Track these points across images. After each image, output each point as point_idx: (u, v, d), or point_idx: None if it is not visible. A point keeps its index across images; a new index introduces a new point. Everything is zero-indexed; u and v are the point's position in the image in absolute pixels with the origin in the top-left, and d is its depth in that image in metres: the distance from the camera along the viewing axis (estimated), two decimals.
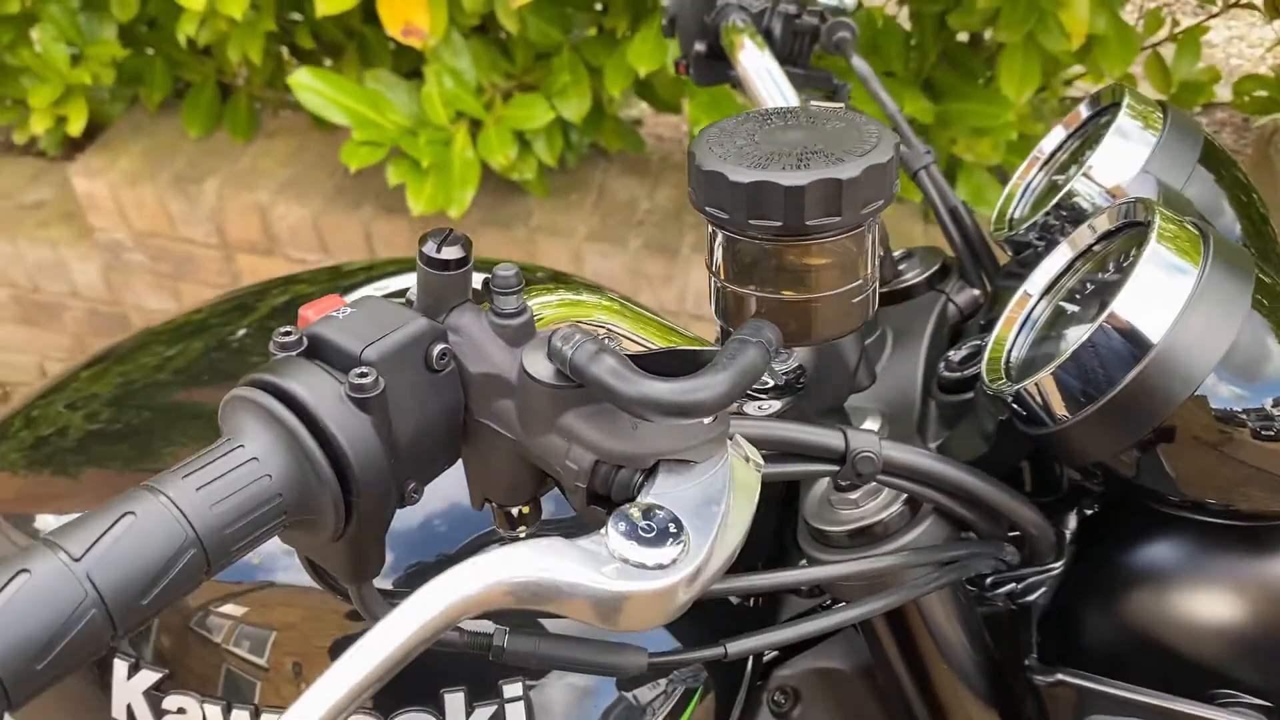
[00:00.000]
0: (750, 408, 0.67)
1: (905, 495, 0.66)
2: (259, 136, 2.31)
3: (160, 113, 2.36)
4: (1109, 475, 0.64)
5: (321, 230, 2.16)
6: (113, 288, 2.40)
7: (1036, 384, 0.61)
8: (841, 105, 0.49)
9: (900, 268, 0.90)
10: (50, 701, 0.85)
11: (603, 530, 0.44)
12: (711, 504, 0.47)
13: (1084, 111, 0.81)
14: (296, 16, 2.15)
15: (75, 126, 2.22)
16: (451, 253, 0.49)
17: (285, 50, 2.26)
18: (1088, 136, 0.79)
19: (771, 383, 0.68)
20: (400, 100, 1.96)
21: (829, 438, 0.59)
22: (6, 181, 2.47)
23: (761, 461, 0.51)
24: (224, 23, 1.96)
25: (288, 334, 0.47)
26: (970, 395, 0.75)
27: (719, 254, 0.49)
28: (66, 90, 2.18)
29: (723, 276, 0.49)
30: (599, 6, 2.04)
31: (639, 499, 0.47)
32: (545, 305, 0.57)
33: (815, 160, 0.44)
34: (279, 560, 0.77)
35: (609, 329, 0.56)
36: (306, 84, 1.88)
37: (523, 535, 0.55)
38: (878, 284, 0.50)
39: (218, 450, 0.44)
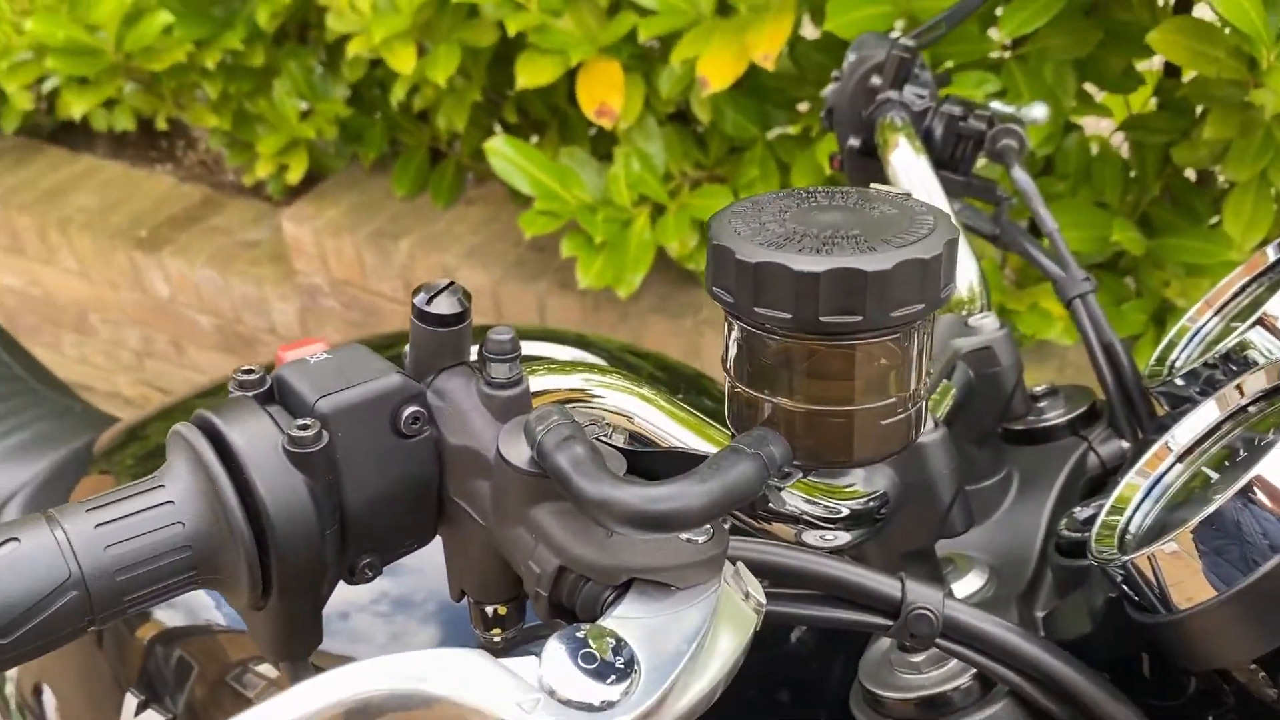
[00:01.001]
0: (811, 536, 0.58)
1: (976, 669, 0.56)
2: (458, 203, 2.38)
3: (374, 170, 2.48)
4: (1242, 693, 0.52)
5: (499, 297, 2.19)
6: (306, 328, 2.51)
7: (1150, 558, 0.50)
8: (908, 192, 0.41)
9: (1040, 405, 0.79)
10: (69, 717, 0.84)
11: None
12: (683, 641, 0.39)
13: (1272, 254, 0.69)
14: (509, 92, 2.22)
15: (294, 175, 2.36)
16: (445, 306, 0.44)
17: (496, 124, 2.34)
18: (1276, 280, 0.68)
19: (845, 510, 0.59)
20: (589, 178, 1.97)
21: (884, 585, 0.51)
22: (231, 219, 2.64)
23: (763, 600, 0.43)
24: (434, 89, 2.04)
25: (249, 372, 0.43)
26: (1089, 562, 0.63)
27: (731, 349, 0.41)
28: (291, 141, 2.32)
29: (733, 375, 0.42)
30: (803, 106, 2.00)
31: (601, 620, 0.40)
32: (597, 383, 0.51)
33: (842, 246, 0.37)
34: (332, 624, 0.73)
35: (630, 416, 0.49)
36: (500, 151, 1.92)
37: (497, 639, 0.48)
38: (925, 405, 0.41)
39: (137, 487, 0.40)
